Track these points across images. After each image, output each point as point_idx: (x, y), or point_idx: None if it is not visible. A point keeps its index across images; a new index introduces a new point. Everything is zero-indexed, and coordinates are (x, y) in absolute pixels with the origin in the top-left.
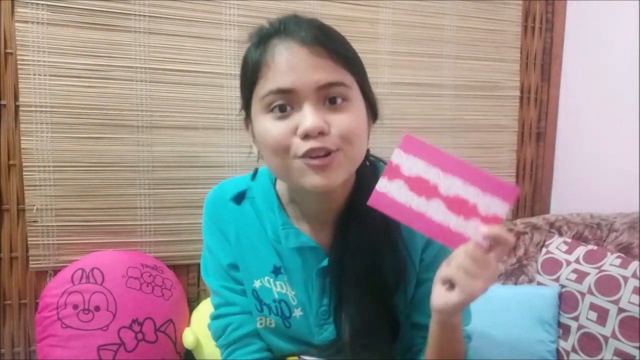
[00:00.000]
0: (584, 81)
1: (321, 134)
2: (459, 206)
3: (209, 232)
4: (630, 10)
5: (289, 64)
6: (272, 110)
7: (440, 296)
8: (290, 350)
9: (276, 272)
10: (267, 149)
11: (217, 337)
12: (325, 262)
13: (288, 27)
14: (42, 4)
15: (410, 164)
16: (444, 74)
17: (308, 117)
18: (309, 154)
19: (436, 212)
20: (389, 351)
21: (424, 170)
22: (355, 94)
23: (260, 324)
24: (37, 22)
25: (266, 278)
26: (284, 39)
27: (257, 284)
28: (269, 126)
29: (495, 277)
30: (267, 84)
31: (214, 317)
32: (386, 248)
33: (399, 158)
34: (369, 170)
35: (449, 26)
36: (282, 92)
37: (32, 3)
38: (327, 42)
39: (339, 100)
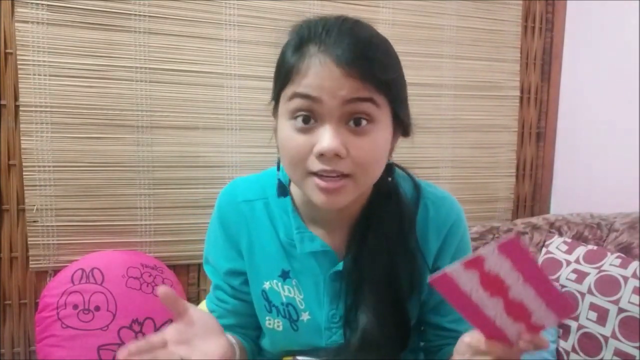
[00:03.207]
0: (584, 81)
1: (337, 156)
2: (516, 311)
3: (214, 234)
4: (631, 10)
5: (321, 80)
6: (295, 118)
7: None
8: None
9: (284, 276)
10: (285, 157)
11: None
12: (339, 266)
13: (329, 37)
14: (42, 4)
15: (497, 262)
16: (444, 74)
17: (326, 137)
18: (320, 174)
19: (491, 308)
20: (398, 356)
21: (506, 271)
22: (384, 115)
23: (269, 324)
24: (37, 22)
25: (274, 281)
26: (322, 52)
27: (266, 285)
28: (290, 136)
29: None
30: (296, 89)
31: (209, 295)
32: (401, 253)
33: (490, 254)
34: (390, 180)
35: (449, 26)
36: (307, 98)
37: (32, 3)
38: (364, 63)
39: (363, 122)
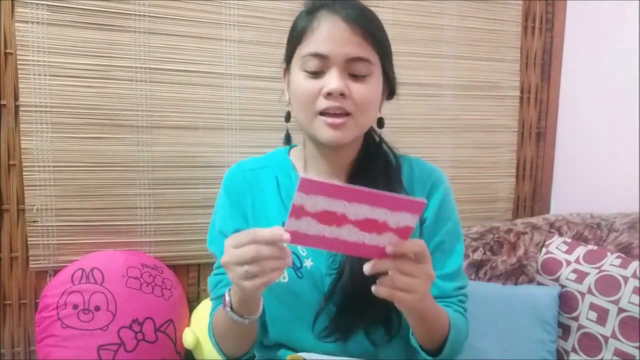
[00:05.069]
0: (584, 81)
1: (342, 95)
2: (370, 226)
3: (221, 203)
4: (631, 11)
5: (330, 34)
6: (306, 69)
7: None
8: (291, 323)
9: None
10: (297, 101)
11: (210, 291)
12: None
13: (336, 3)
14: (42, 4)
15: (312, 202)
16: (444, 74)
17: (333, 79)
18: (327, 111)
19: (349, 234)
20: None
21: (329, 204)
22: (377, 71)
23: None
24: (37, 22)
25: None
26: (331, 13)
27: None
28: (302, 82)
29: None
30: (309, 46)
31: (212, 274)
32: None
33: (300, 199)
34: (375, 138)
35: (449, 26)
36: (319, 56)
37: (32, 3)
38: (365, 23)
39: (361, 74)
